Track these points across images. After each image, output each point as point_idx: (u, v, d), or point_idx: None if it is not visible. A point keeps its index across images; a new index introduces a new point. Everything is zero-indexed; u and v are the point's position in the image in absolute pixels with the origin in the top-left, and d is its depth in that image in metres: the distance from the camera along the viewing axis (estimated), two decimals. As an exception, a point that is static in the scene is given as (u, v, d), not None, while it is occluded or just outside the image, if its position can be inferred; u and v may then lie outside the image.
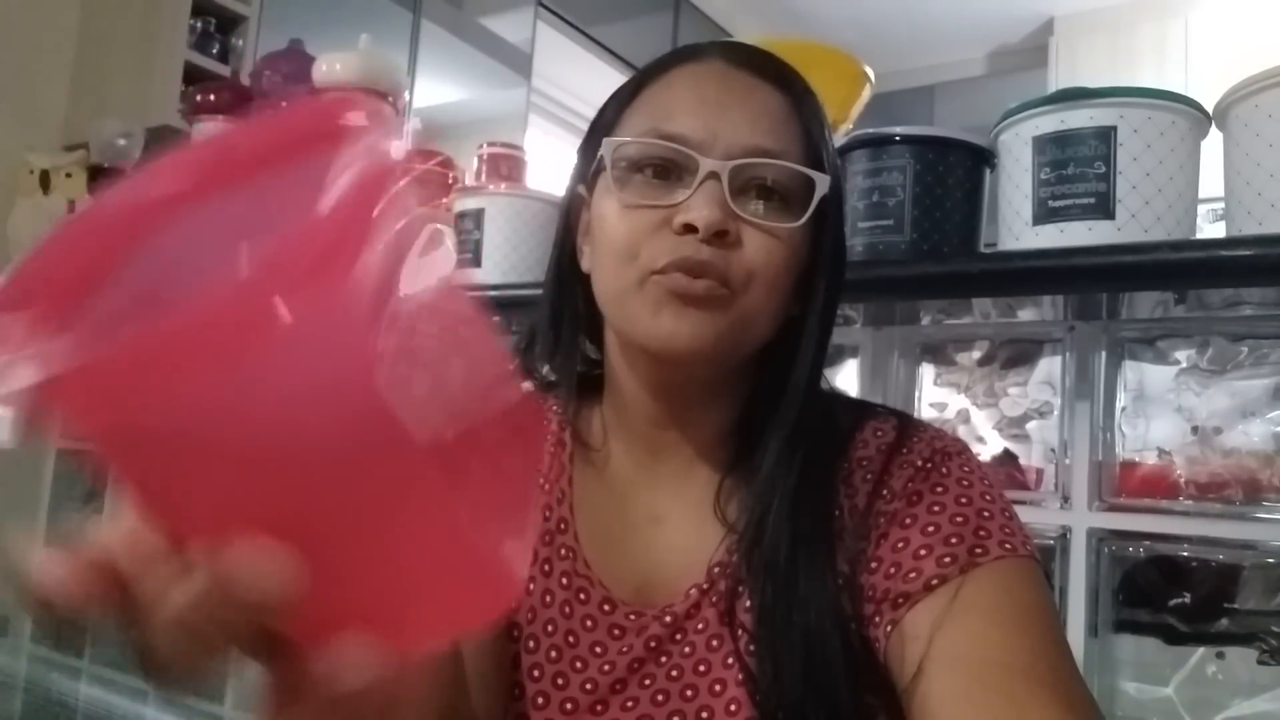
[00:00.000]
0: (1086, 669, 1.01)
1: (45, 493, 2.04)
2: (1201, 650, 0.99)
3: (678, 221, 0.59)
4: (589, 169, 0.66)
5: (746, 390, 0.68)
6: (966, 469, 0.63)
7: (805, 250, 0.63)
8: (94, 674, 1.73)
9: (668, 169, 0.61)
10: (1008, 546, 0.58)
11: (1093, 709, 0.53)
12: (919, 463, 0.63)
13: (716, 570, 0.63)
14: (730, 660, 0.61)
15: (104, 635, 1.81)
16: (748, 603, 0.61)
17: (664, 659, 0.62)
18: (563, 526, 0.68)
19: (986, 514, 0.60)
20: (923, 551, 0.58)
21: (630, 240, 0.60)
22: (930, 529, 0.59)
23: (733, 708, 0.60)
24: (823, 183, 0.62)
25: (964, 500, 0.60)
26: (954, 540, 0.58)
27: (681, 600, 0.63)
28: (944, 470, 0.62)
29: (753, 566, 0.62)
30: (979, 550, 0.57)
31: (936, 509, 0.60)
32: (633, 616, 0.64)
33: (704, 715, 0.60)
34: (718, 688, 0.61)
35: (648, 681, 0.62)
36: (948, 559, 0.57)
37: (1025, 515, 0.64)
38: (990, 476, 0.64)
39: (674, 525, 0.67)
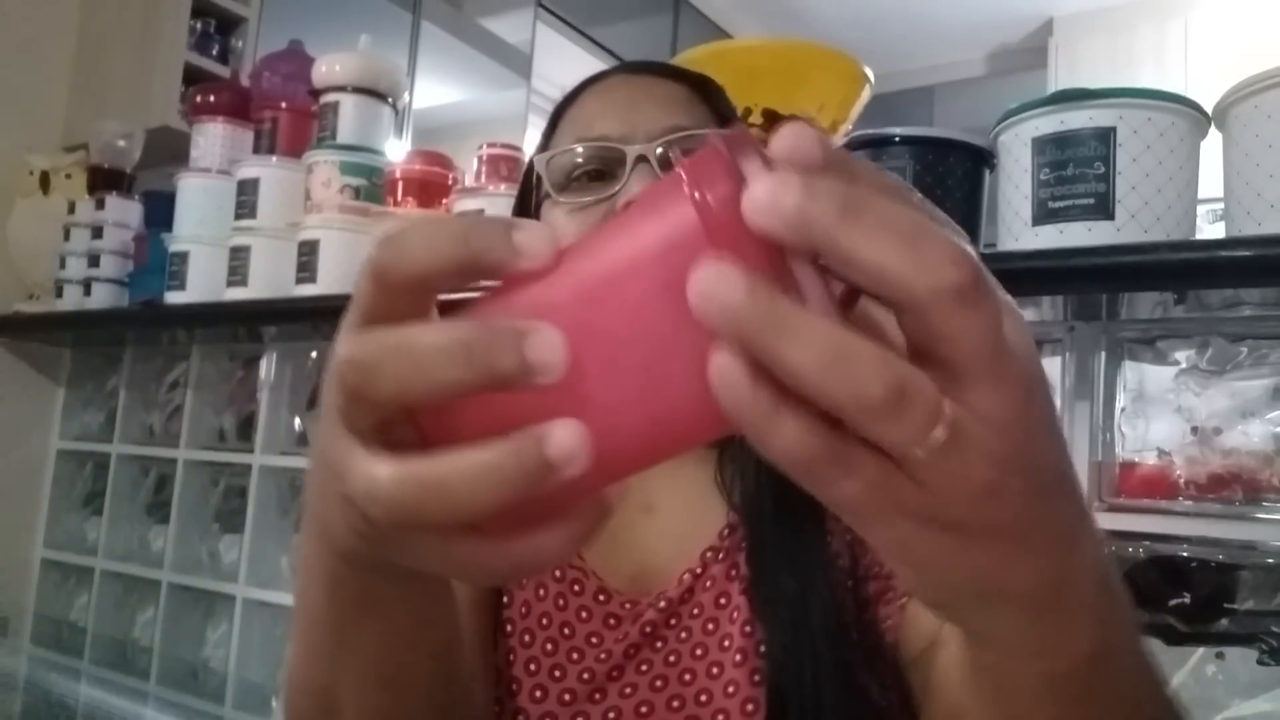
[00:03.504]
0: (1086, 669, 1.01)
1: (45, 493, 2.05)
2: (1201, 650, 0.99)
3: (619, 205, 0.62)
4: (531, 202, 0.69)
5: None
6: None
7: None
8: (94, 674, 1.73)
9: (600, 170, 0.65)
10: None
11: None
12: None
13: (709, 555, 0.65)
14: (726, 643, 0.62)
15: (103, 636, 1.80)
16: (743, 584, 0.62)
17: (660, 645, 0.63)
18: None
19: None
20: None
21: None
22: None
23: (730, 689, 0.61)
24: None
25: None
26: None
27: (675, 586, 0.64)
28: None
29: (749, 544, 0.63)
30: None
31: None
32: (628, 605, 0.65)
33: (703, 698, 0.61)
34: (715, 670, 0.62)
35: (645, 668, 0.63)
36: None
37: (1025, 515, 0.65)
38: None
39: (666, 513, 0.68)
